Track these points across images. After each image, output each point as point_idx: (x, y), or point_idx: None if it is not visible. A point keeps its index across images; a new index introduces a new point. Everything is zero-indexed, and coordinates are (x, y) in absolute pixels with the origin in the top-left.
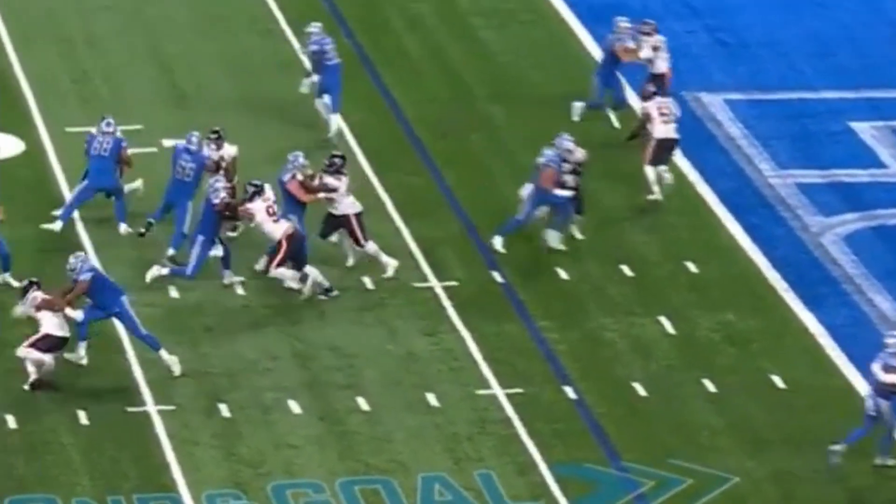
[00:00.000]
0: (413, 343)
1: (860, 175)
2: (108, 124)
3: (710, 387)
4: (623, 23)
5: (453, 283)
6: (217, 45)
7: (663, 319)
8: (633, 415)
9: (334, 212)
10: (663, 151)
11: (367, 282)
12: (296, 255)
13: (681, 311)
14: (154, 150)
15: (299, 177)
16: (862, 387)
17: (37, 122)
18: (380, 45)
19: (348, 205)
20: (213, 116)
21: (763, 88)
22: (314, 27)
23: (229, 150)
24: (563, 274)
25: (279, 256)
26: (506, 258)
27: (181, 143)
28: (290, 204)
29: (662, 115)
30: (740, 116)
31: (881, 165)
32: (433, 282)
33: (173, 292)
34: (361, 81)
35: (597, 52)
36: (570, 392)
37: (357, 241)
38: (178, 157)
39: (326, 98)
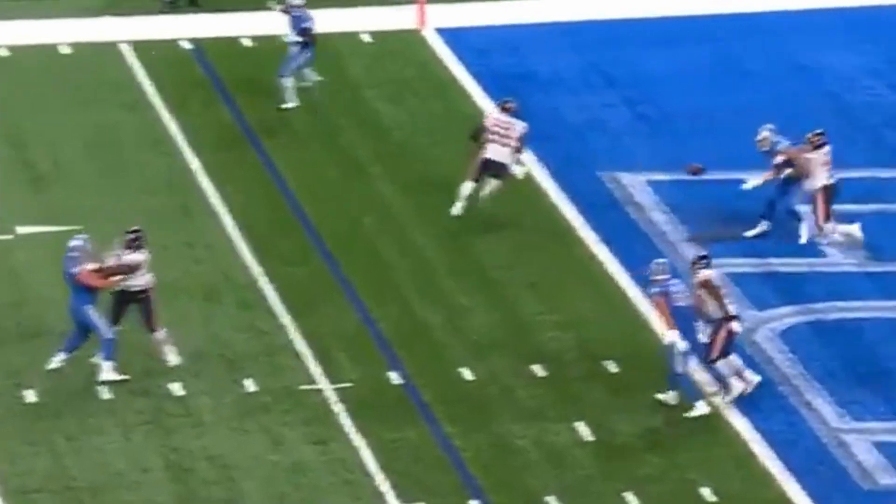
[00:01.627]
0: (300, 452)
1: (797, 265)
2: None
3: (633, 500)
4: (765, 131)
5: (346, 384)
6: (76, 119)
7: (579, 425)
8: None
9: (129, 288)
10: (485, 171)
11: (249, 384)
12: None
13: (599, 416)
14: (9, 237)
15: (89, 266)
16: (799, 499)
17: None
18: (263, 118)
19: (147, 280)
20: (72, 197)
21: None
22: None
23: None
24: (467, 374)
25: None
26: (406, 356)
27: None
28: (83, 294)
29: (493, 133)
30: (665, 199)
31: (819, 254)
32: (323, 383)
33: (30, 396)
34: (244, 158)
35: None
36: None
37: (150, 323)
38: None
39: (287, 81)
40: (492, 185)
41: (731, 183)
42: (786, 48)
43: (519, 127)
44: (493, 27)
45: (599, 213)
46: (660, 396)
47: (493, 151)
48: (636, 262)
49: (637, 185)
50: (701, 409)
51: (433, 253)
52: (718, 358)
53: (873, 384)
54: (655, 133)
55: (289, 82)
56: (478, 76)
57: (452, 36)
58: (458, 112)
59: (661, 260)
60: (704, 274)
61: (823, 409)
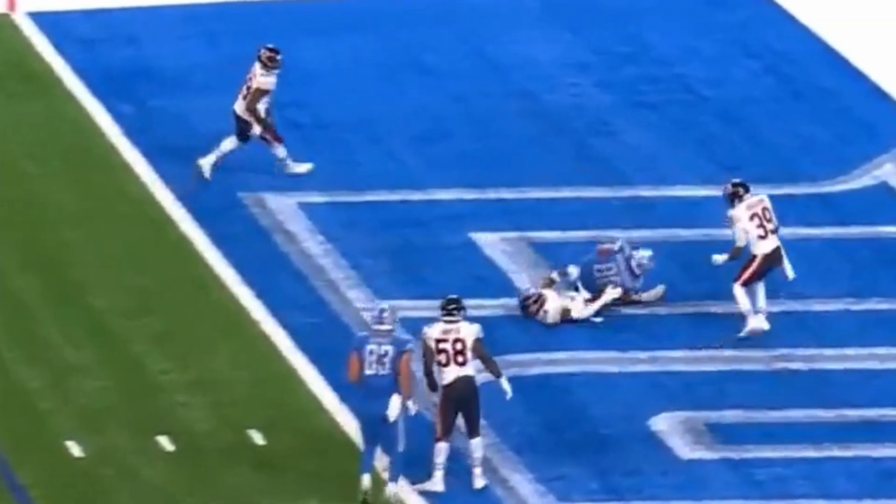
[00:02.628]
0: None
1: (491, 307)
2: None
3: None
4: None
5: None
6: None
7: None
8: None
9: None
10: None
11: None
12: None
13: (242, 499)
14: None
15: None
16: None
17: None
18: None
19: None
20: None
21: (352, 187)
22: None
23: None
24: (76, 450)
25: None
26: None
27: None
28: None
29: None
30: (321, 226)
31: (516, 293)
32: None
33: None
34: None
35: (115, 133)
36: None
37: None
38: None
39: None
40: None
41: (399, 206)
42: (470, 38)
43: (258, 79)
44: (103, 11)
45: (241, 245)
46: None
47: (237, 103)
48: (285, 305)
49: (287, 210)
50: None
51: (33, 297)
52: (442, 437)
53: (583, 455)
54: (309, 143)
55: None
56: (84, 72)
57: (51, 22)
58: (60, 117)
59: (384, 305)
60: (427, 332)
61: (522, 488)
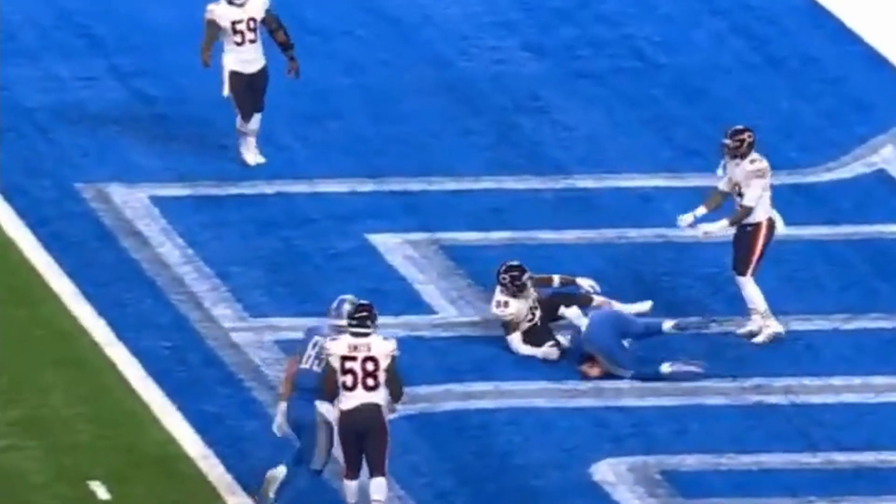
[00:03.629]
0: None
1: (393, 326)
2: None
3: None
4: None
5: None
6: None
7: None
8: None
9: None
10: None
11: None
12: None
13: None
14: None
15: None
16: None
17: None
18: None
19: None
20: None
21: (218, 177)
22: None
23: None
24: None
25: None
26: None
27: None
28: None
29: None
30: (179, 226)
31: (428, 310)
32: None
33: None
34: None
35: None
36: None
37: None
38: None
39: None
40: None
41: (279, 201)
42: None
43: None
44: None
45: (79, 250)
46: None
47: None
48: (136, 325)
49: (137, 205)
50: None
51: None
52: (349, 474)
53: None
54: (164, 122)
55: None
56: None
57: None
58: None
59: (347, 296)
60: (330, 348)
61: None
